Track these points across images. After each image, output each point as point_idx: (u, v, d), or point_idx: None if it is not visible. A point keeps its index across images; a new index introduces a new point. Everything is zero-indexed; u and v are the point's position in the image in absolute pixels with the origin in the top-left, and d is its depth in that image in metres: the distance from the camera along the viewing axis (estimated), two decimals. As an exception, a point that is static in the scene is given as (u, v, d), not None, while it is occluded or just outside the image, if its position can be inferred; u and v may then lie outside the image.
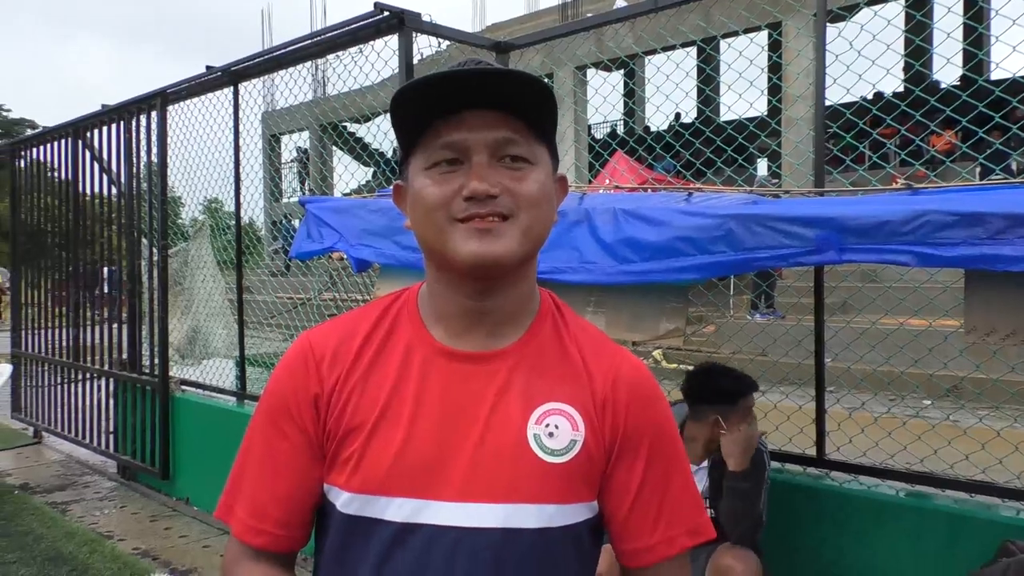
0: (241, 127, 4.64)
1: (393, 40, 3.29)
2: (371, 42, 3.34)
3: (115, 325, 5.78)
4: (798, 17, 10.73)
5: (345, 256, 2.97)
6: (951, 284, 2.93)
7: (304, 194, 16.74)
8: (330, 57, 3.58)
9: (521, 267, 1.01)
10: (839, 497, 2.81)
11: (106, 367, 5.84)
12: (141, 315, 5.51)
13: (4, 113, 37.88)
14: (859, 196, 2.32)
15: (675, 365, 9.68)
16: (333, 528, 1.02)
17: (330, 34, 3.27)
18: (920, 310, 3.41)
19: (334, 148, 15.80)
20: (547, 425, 0.99)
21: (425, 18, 3.22)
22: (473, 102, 0.94)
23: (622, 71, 17.68)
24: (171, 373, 5.32)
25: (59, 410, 6.35)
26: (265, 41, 23.65)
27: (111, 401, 5.78)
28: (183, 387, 5.41)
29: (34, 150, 6.89)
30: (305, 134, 18.12)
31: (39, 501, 5.07)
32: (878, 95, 11.22)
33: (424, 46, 3.40)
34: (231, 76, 4.12)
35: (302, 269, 13.96)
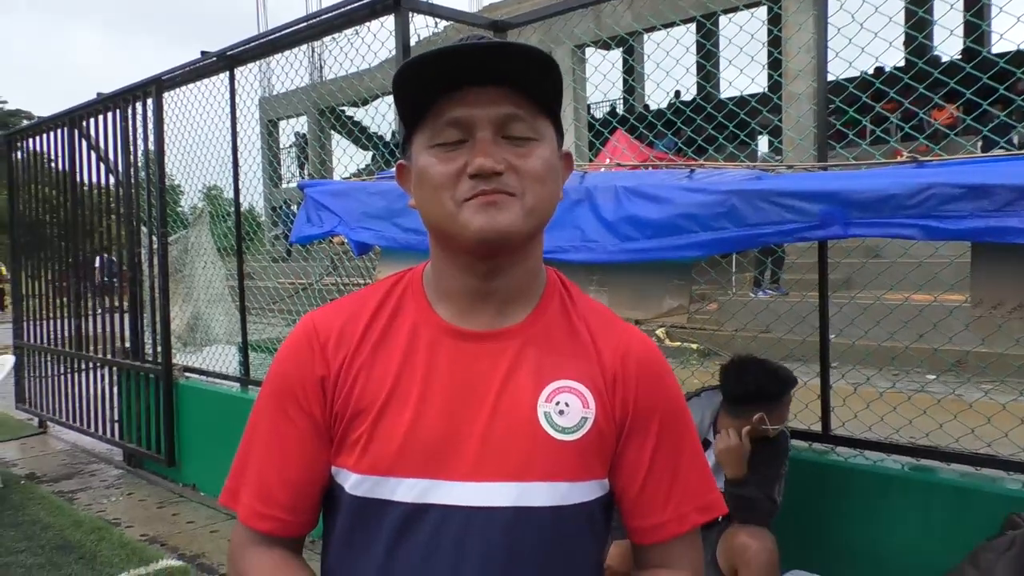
0: (238, 113, 4.60)
1: (389, 21, 3.26)
2: (367, 23, 3.30)
3: (116, 314, 5.78)
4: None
5: (346, 240, 2.95)
6: (956, 258, 2.91)
7: (304, 179, 16.68)
8: (326, 40, 3.54)
9: (527, 244, 1.00)
10: (845, 472, 2.81)
11: (109, 356, 5.85)
12: (142, 303, 5.51)
13: (0, 104, 37.72)
14: (863, 170, 2.30)
15: (678, 343, 9.67)
16: (342, 511, 1.01)
17: (326, 16, 3.23)
18: (925, 284, 3.39)
19: (332, 132, 15.74)
20: (557, 403, 0.99)
21: (421, -2, 3.18)
22: (476, 78, 0.93)
23: (621, 49, 17.55)
24: (174, 360, 5.33)
25: (63, 400, 6.36)
26: (261, 25, 23.50)
27: (115, 390, 5.79)
28: (186, 374, 5.42)
29: (31, 140, 6.86)
30: (303, 119, 18.05)
31: (46, 490, 5.09)
32: (879, 69, 11.15)
33: (420, 27, 3.37)
34: (227, 61, 4.09)
35: (303, 254, 13.96)
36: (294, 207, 14.95)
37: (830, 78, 2.93)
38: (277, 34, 3.48)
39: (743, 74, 3.72)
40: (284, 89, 5.18)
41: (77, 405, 6.17)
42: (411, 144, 1.01)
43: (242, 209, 5.06)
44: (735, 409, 2.54)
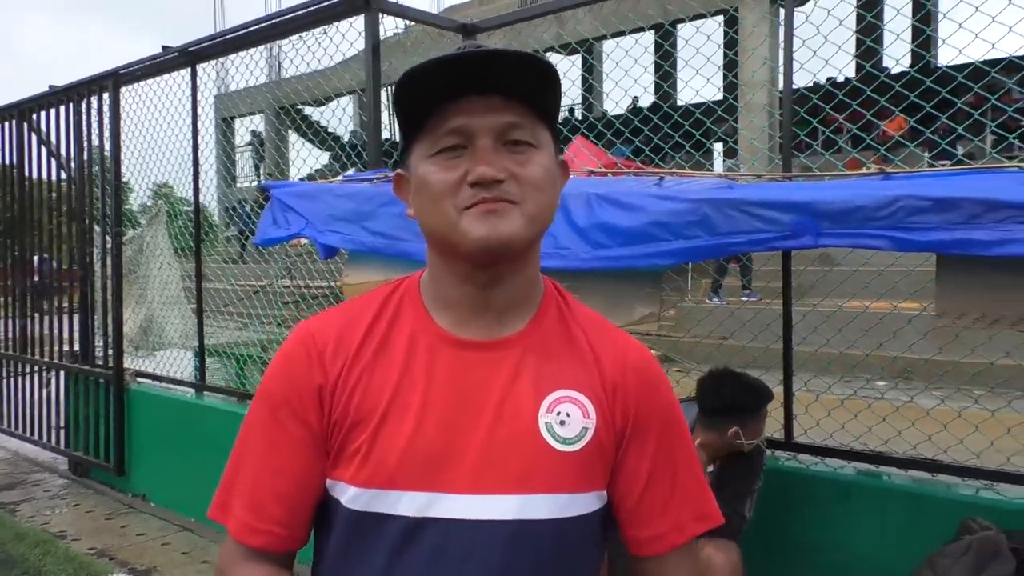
0: (190, 110, 4.50)
1: (358, 21, 3.22)
2: (336, 23, 3.26)
3: (62, 316, 5.59)
4: (755, 3, 10.84)
5: (310, 241, 2.90)
6: (915, 268, 2.98)
7: (260, 179, 16.44)
8: (293, 38, 3.48)
9: (526, 252, 0.99)
10: (807, 479, 2.85)
11: (55, 359, 5.65)
12: (93, 305, 5.34)
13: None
14: (829, 181, 2.34)
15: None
16: (338, 525, 0.98)
17: (294, 14, 3.18)
18: (886, 293, 3.47)
19: (291, 131, 15.53)
20: (558, 413, 0.98)
21: (390, -1, 3.15)
22: (476, 86, 0.92)
23: (578, 55, 17.68)
24: (125, 364, 5.17)
25: (5, 405, 6.12)
26: (217, 19, 23.13)
27: (61, 395, 5.60)
28: (138, 379, 5.27)
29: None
30: (258, 117, 17.77)
31: (-14, 501, 4.90)
32: (831, 80, 11.41)
33: (390, 28, 3.34)
34: (189, 57, 3.99)
35: (255, 256, 13.73)
36: (248, 207, 14.71)
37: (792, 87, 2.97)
38: (243, 31, 3.41)
39: (708, 81, 3.75)
40: (240, 86, 5.09)
41: (20, 411, 5.94)
42: (410, 154, 1.00)
43: (193, 209, 4.95)
44: (710, 422, 2.54)
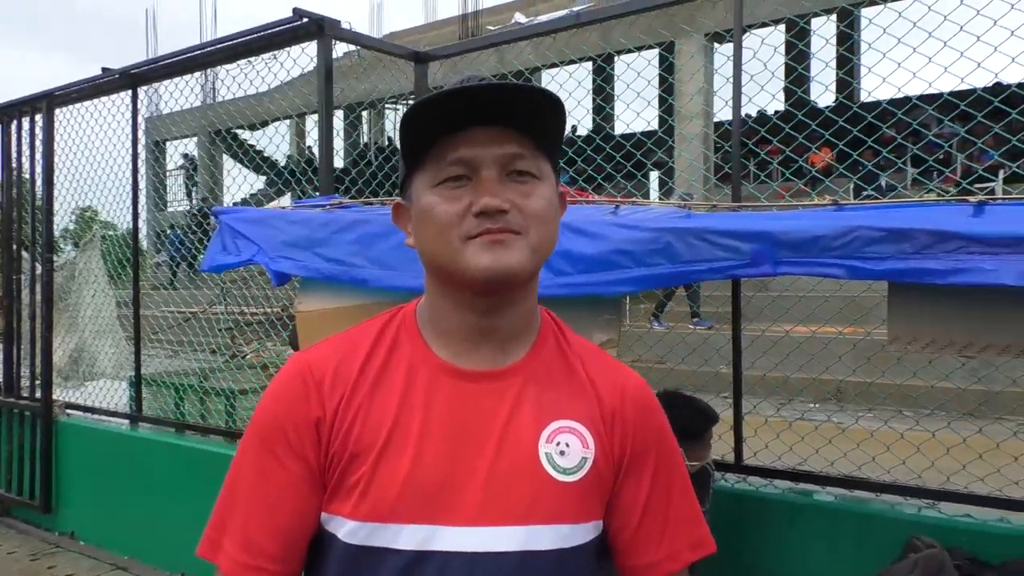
0: (120, 131, 4.40)
1: (307, 47, 3.20)
2: (287, 48, 3.23)
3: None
4: (691, 39, 11.20)
5: (265, 269, 2.84)
6: (834, 293, 3.09)
7: (192, 203, 16.04)
8: (240, 62, 3.43)
9: (527, 283, 1.00)
10: (757, 501, 2.91)
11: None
12: (19, 333, 5.08)
13: None
14: (779, 211, 2.42)
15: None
16: (333, 560, 0.96)
17: (245, 39, 3.13)
18: (831, 318, 3.59)
19: (225, 155, 15.21)
20: (558, 443, 0.98)
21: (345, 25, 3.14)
22: (481, 118, 0.93)
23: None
24: (54, 396, 4.93)
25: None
26: (150, 41, 22.63)
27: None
28: (68, 411, 5.02)
29: None
30: (189, 140, 17.37)
31: None
32: (761, 114, 11.84)
33: (339, 54, 3.32)
34: (130, 79, 3.88)
35: (185, 283, 13.35)
36: (180, 232, 14.32)
37: (717, 120, 3.07)
38: (188, 55, 3.34)
39: (639, 105, 3.83)
40: (171, 109, 4.97)
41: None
42: (411, 184, 1.00)
43: (121, 233, 4.81)
44: None
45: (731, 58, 2.97)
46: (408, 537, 0.92)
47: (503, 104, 0.92)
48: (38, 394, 4.85)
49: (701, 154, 10.06)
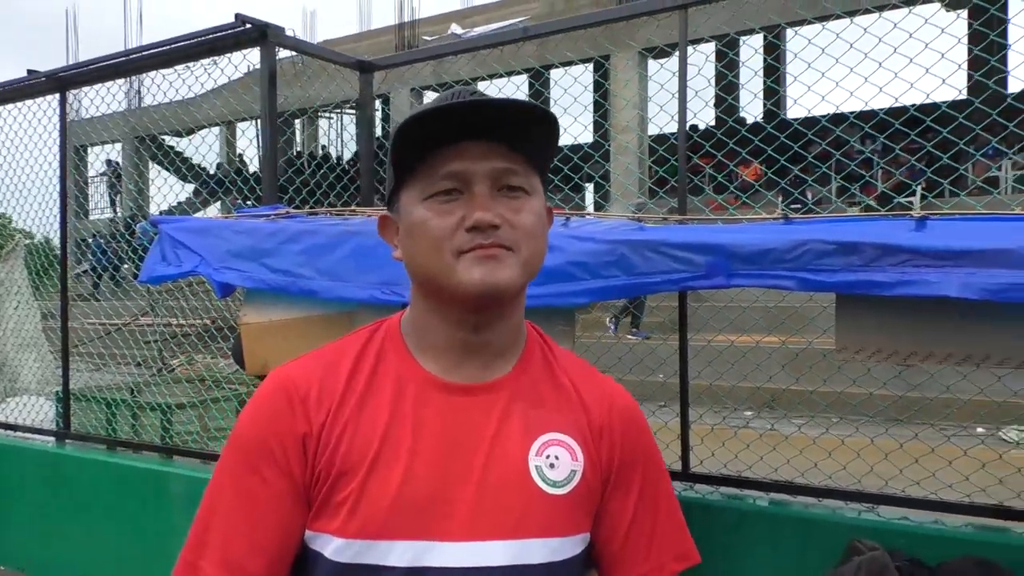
0: (39, 137, 4.20)
1: (249, 53, 3.12)
2: (228, 54, 3.14)
3: None
4: (626, 51, 11.40)
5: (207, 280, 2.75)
6: (777, 304, 3.17)
7: (116, 211, 15.47)
8: (178, 67, 3.32)
9: (516, 298, 1.00)
10: (702, 509, 2.95)
11: None
12: (-69, 349, 4.80)
13: None
14: (725, 224, 2.47)
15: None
16: None
17: (184, 44, 3.03)
18: (774, 329, 3.68)
19: (152, 163, 14.73)
20: (548, 456, 0.99)
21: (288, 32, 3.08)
22: (473, 132, 0.93)
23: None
24: (-30, 414, 4.67)
25: None
26: (70, 42, 21.81)
27: None
28: (-17, 430, 4.75)
29: None
30: (112, 147, 16.77)
31: None
32: (693, 127, 12.13)
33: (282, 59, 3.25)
34: (58, 82, 3.71)
35: (106, 294, 12.84)
36: (103, 240, 13.79)
37: (653, 132, 3.13)
38: (124, 58, 3.22)
39: (578, 120, 3.87)
40: (93, 113, 4.78)
41: None
42: (399, 197, 0.99)
43: (37, 241, 4.61)
44: None
45: (674, 72, 3.03)
46: (400, 554, 0.91)
47: (496, 119, 0.92)
48: (-47, 413, 4.57)
49: (636, 165, 10.25)
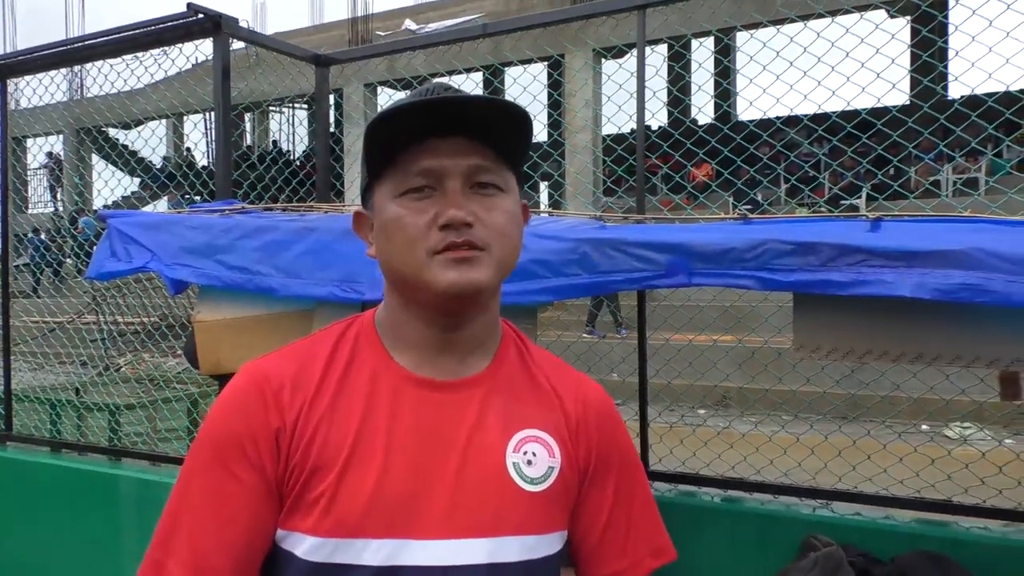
0: None
1: (202, 44, 3.04)
2: (179, 45, 3.06)
3: None
4: (583, 49, 11.45)
5: (159, 276, 2.67)
6: (734, 303, 3.22)
7: (57, 204, 14.98)
8: (126, 57, 3.22)
9: (492, 295, 1.00)
10: (663, 506, 2.96)
11: None
12: None
13: None
14: (681, 224, 2.49)
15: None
16: None
17: (132, 32, 2.94)
18: (731, 328, 3.73)
19: (94, 155, 14.30)
20: (525, 452, 0.98)
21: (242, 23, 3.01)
22: (450, 129, 0.92)
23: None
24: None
25: None
26: (7, 27, 21.07)
27: None
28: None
29: None
30: (53, 138, 16.25)
31: None
32: (647, 127, 12.25)
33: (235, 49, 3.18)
34: (-3, 70, 3.57)
35: (49, 290, 12.46)
36: (43, 235, 13.38)
37: (607, 133, 3.15)
38: (67, 47, 3.10)
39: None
40: (33, 103, 4.61)
41: None
42: (372, 193, 0.97)
43: None
44: None
45: (632, 73, 3.04)
46: (374, 552, 0.89)
47: (469, 115, 0.91)
48: None
49: (590, 164, 10.31)
